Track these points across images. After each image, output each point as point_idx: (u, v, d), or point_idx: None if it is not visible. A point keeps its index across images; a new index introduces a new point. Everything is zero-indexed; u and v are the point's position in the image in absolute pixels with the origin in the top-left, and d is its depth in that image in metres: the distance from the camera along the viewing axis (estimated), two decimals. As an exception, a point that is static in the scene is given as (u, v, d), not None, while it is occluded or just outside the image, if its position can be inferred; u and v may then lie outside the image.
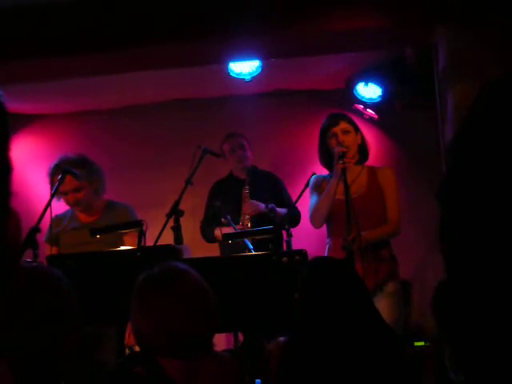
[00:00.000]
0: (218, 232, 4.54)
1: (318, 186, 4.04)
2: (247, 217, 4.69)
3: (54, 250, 4.06)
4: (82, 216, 4.24)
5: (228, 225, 4.46)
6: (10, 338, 1.60)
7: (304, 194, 4.80)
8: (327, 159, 4.04)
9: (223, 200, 4.74)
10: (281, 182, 4.96)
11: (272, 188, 4.86)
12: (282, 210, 4.63)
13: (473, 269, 0.78)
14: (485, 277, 0.76)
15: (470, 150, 0.79)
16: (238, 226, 4.56)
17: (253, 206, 4.69)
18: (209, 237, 4.80)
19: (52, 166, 4.17)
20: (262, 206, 4.65)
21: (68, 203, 4.18)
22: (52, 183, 4.15)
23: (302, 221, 4.74)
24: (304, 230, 4.74)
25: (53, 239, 4.10)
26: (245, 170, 4.86)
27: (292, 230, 4.70)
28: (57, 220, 4.02)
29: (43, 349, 1.61)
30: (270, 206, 4.61)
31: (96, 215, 4.22)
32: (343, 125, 3.99)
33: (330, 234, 4.02)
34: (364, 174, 4.02)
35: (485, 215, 0.76)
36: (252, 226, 4.61)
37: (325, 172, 4.15)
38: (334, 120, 4.03)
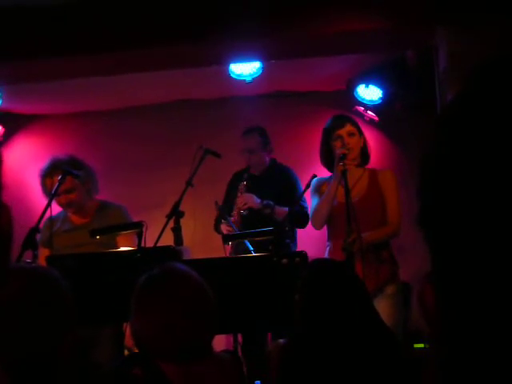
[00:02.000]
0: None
1: (319, 188, 4.04)
2: (236, 210, 4.59)
3: (46, 252, 3.95)
4: (75, 218, 4.20)
5: (227, 224, 4.45)
6: (8, 338, 1.59)
7: (304, 195, 4.76)
8: (329, 160, 4.03)
9: (233, 193, 4.71)
10: (294, 178, 4.77)
11: (283, 184, 4.71)
12: (283, 209, 4.47)
13: (461, 256, 0.71)
14: (475, 265, 0.70)
15: (459, 123, 0.73)
16: (232, 219, 4.52)
17: (245, 199, 4.59)
18: (219, 232, 4.73)
19: (45, 167, 4.14)
20: (258, 200, 4.55)
21: (60, 204, 4.13)
22: (44, 185, 4.11)
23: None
24: (304, 232, 4.73)
25: (45, 241, 4.04)
26: (252, 169, 4.79)
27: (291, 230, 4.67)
28: (50, 222, 3.94)
29: (42, 349, 1.60)
30: (266, 202, 4.53)
31: (88, 217, 4.17)
32: (349, 127, 3.98)
33: (330, 236, 4.02)
34: (365, 177, 4.02)
35: (475, 196, 0.69)
36: (247, 221, 4.50)
37: (325, 174, 4.14)
38: (339, 122, 4.01)
